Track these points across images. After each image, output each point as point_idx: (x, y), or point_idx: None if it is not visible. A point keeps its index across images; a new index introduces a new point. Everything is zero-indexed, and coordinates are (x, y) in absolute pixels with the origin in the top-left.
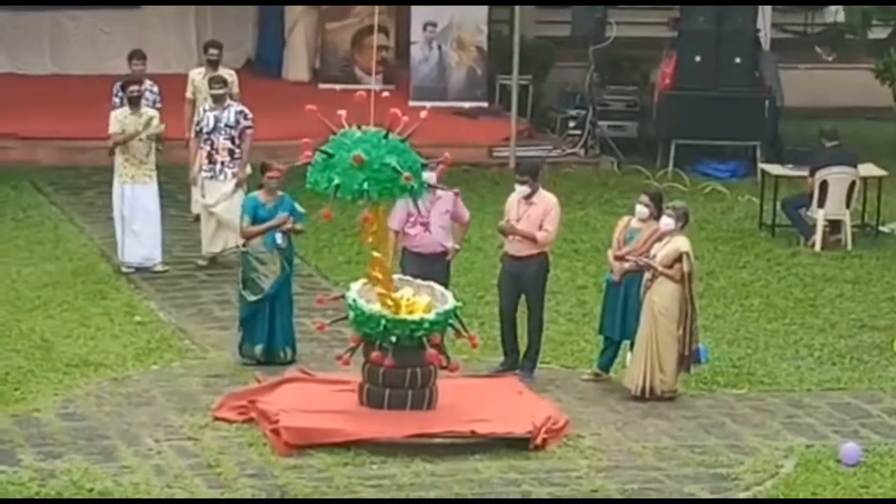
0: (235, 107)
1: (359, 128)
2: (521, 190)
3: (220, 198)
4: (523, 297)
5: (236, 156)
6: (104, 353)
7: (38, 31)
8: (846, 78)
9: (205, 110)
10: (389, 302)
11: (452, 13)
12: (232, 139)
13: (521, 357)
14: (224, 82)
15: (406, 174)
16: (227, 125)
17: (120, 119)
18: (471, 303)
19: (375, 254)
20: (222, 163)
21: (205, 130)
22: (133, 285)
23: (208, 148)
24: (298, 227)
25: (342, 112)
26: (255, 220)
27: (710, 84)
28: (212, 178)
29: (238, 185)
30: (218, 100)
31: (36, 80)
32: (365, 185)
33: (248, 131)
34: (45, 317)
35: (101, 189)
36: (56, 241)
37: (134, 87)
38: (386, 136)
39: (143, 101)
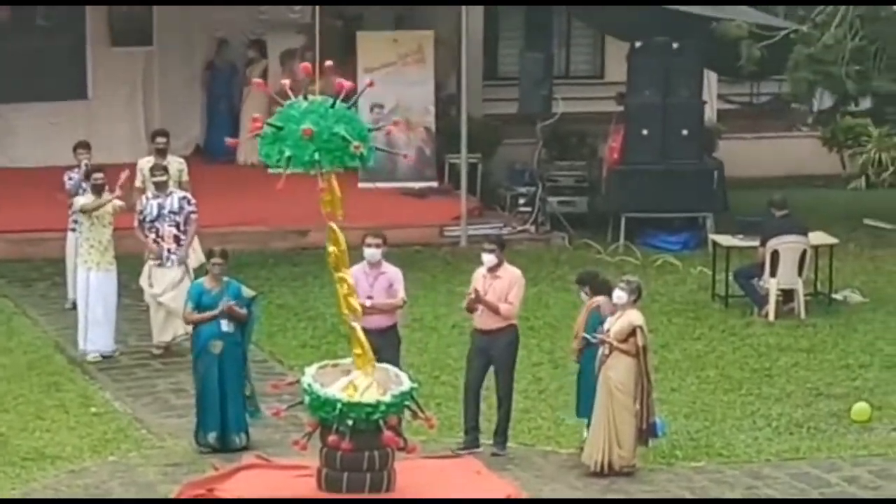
0: (178, 193)
1: (305, 98)
2: (487, 259)
3: (167, 286)
4: (490, 370)
5: (182, 242)
6: (60, 445)
7: None
8: (793, 146)
9: (147, 198)
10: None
11: (399, 95)
12: (177, 225)
13: (479, 434)
14: (165, 170)
15: (355, 143)
16: (171, 211)
17: (80, 203)
18: (427, 383)
19: (353, 324)
20: (168, 250)
21: (148, 218)
22: (88, 376)
23: (153, 235)
24: (241, 310)
25: (286, 81)
26: (199, 307)
27: (658, 157)
28: (159, 265)
29: (185, 272)
30: (160, 187)
31: None
32: (316, 156)
33: (193, 216)
34: (1, 411)
35: (53, 280)
36: (9, 334)
37: (98, 175)
38: (333, 105)
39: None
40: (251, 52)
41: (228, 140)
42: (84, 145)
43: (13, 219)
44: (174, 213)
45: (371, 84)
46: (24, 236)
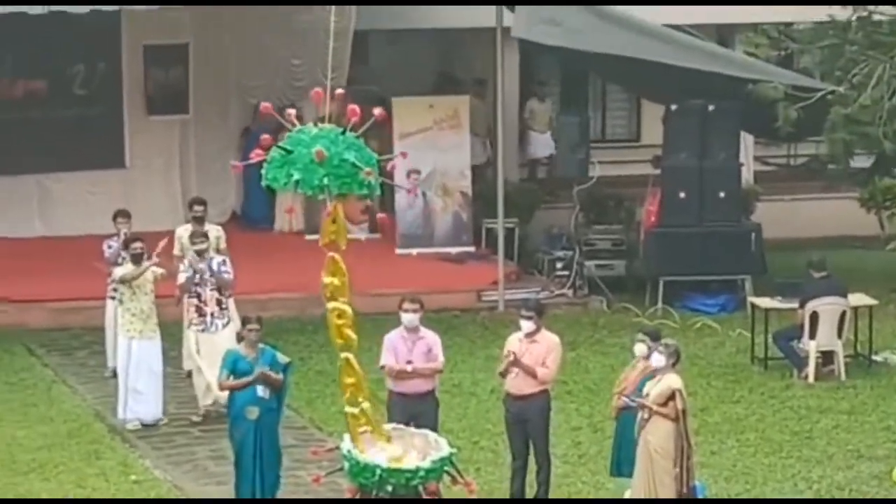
0: (218, 258)
1: (315, 124)
2: (525, 326)
3: (213, 353)
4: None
5: (224, 306)
6: None
7: (27, 194)
8: (831, 208)
9: (189, 262)
10: (363, 423)
11: (435, 160)
12: (219, 290)
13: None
14: (205, 236)
15: (367, 170)
16: (211, 275)
17: (121, 274)
18: (466, 448)
19: (344, 355)
20: (212, 314)
21: (190, 280)
22: (128, 444)
23: (196, 301)
24: (277, 376)
25: (292, 110)
26: (235, 374)
27: (696, 219)
28: (203, 330)
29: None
30: (201, 254)
31: (25, 242)
32: (325, 181)
33: (227, 276)
34: (42, 479)
35: (92, 349)
36: (49, 402)
37: (136, 244)
38: (343, 133)
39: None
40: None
41: (234, 163)
42: (123, 214)
43: (53, 288)
44: (215, 274)
45: (404, 155)
46: (64, 305)
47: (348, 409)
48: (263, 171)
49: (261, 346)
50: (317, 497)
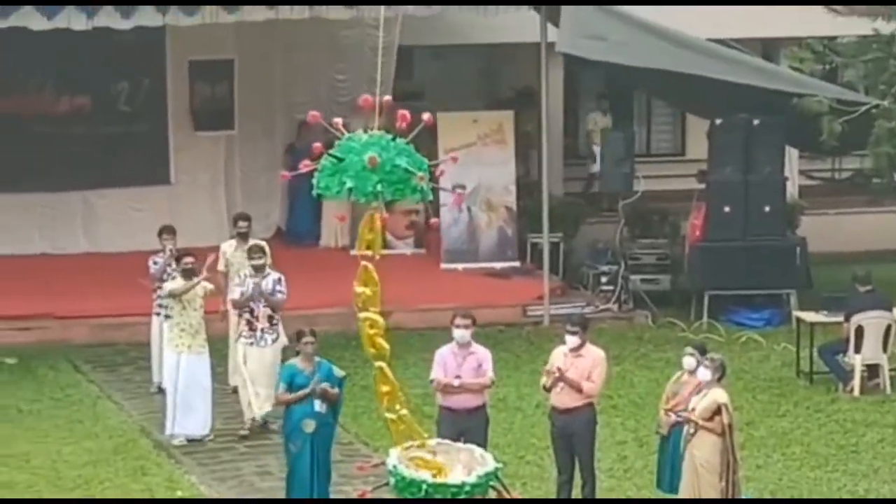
0: (273, 275)
1: (365, 131)
2: (570, 341)
3: (260, 367)
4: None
5: (274, 322)
6: None
7: (71, 210)
8: (875, 221)
9: (245, 276)
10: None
11: (480, 175)
12: (272, 307)
13: None
14: (263, 251)
15: (420, 174)
16: (266, 292)
17: (171, 289)
18: (511, 463)
19: (378, 364)
20: (262, 329)
21: (244, 296)
22: (174, 460)
23: (248, 315)
24: (334, 390)
25: (339, 119)
26: (292, 387)
27: (740, 234)
28: (252, 344)
29: (278, 354)
30: (258, 269)
31: (70, 259)
32: (378, 187)
33: (280, 297)
34: (87, 495)
35: (137, 365)
36: (95, 418)
37: (188, 259)
38: (393, 139)
39: (167, 276)
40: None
41: (283, 173)
42: (169, 230)
43: (98, 304)
44: (269, 293)
45: (455, 159)
46: (109, 321)
47: (387, 415)
48: (315, 181)
49: (317, 359)
50: None
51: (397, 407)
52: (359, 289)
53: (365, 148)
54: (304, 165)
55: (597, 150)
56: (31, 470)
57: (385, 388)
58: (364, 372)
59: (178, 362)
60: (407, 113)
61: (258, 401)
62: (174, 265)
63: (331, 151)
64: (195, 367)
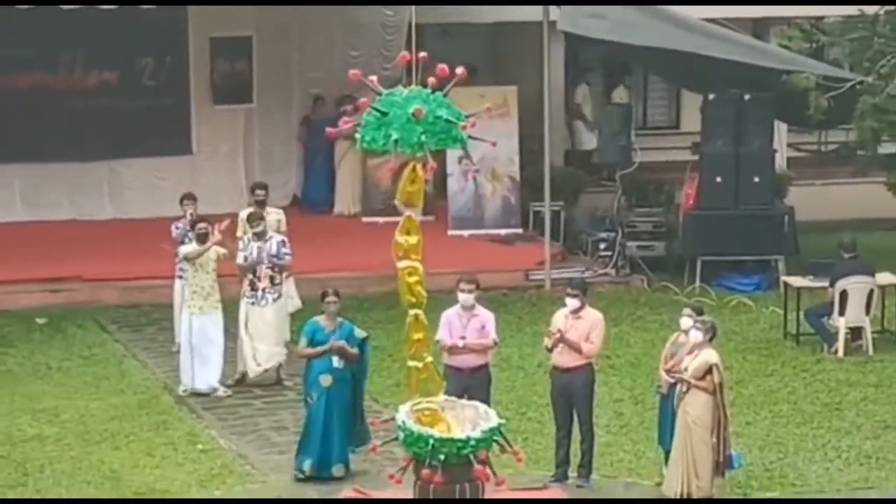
0: (277, 237)
1: (404, 87)
2: (571, 303)
3: (259, 325)
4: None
5: (276, 282)
6: (169, 480)
7: (98, 179)
8: (860, 192)
9: (249, 239)
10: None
11: (485, 146)
12: (273, 268)
13: (568, 468)
14: (261, 218)
15: (462, 123)
16: (269, 255)
17: (185, 252)
18: (514, 419)
19: (413, 311)
20: (263, 289)
21: (249, 260)
22: (195, 414)
23: (251, 276)
24: (353, 350)
25: (373, 77)
26: (313, 343)
27: (731, 203)
28: (253, 304)
29: (279, 313)
30: (259, 236)
31: (97, 224)
32: (423, 138)
33: (287, 258)
34: (113, 448)
35: (161, 325)
36: (121, 376)
37: (202, 225)
38: (432, 93)
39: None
40: (347, 107)
41: (329, 130)
42: (190, 196)
43: (124, 267)
44: (273, 255)
45: (494, 144)
46: (134, 283)
47: (411, 363)
48: (359, 135)
49: (339, 319)
50: (374, 463)
51: (424, 354)
52: (401, 238)
53: (407, 102)
54: (343, 122)
55: (580, 124)
56: (61, 424)
57: (417, 336)
58: (375, 333)
59: (191, 322)
60: (445, 66)
61: (259, 356)
62: (189, 231)
63: (374, 105)
64: (206, 326)
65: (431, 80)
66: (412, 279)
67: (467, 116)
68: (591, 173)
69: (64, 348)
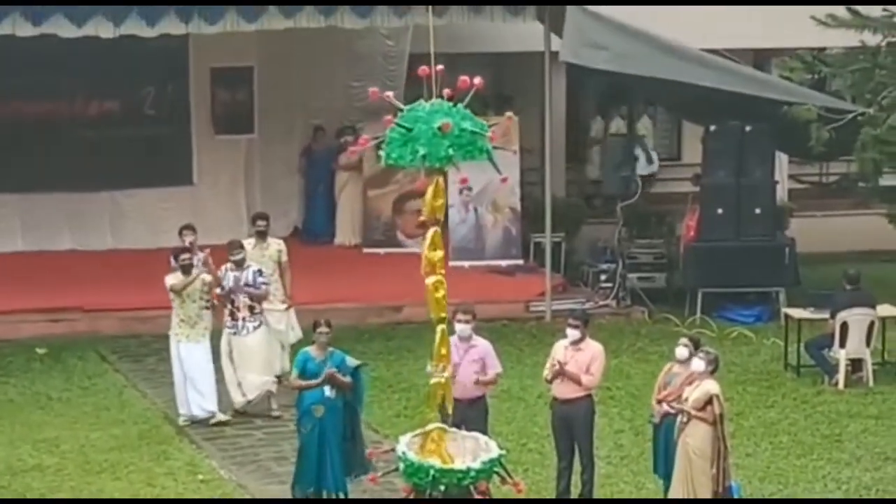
0: (254, 267)
1: (426, 100)
2: (571, 334)
3: (244, 354)
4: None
5: (256, 311)
6: None
7: (99, 209)
8: (861, 223)
9: (226, 269)
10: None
11: (487, 177)
12: (251, 297)
13: (570, 495)
14: (241, 247)
15: (488, 134)
16: (246, 284)
17: (175, 278)
18: (514, 450)
19: (441, 327)
20: (243, 318)
21: (225, 289)
22: (195, 445)
23: (230, 306)
24: (345, 379)
25: (390, 93)
26: (304, 374)
27: (733, 234)
28: (235, 333)
29: (263, 342)
30: (238, 264)
31: (98, 255)
32: (450, 151)
33: (263, 287)
34: (113, 479)
35: (161, 356)
36: (121, 406)
37: (185, 256)
38: (454, 106)
39: (194, 270)
40: (348, 138)
41: (352, 148)
42: (189, 227)
43: (124, 298)
44: (249, 285)
45: (505, 180)
46: (135, 314)
47: (436, 378)
48: (384, 153)
49: (330, 349)
50: (375, 497)
51: (445, 371)
52: (430, 253)
53: (431, 116)
54: (363, 141)
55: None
56: (61, 454)
57: (444, 351)
58: (374, 364)
59: (179, 350)
60: (467, 78)
61: (245, 386)
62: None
63: (399, 122)
64: (195, 353)
65: (447, 91)
66: (440, 294)
67: (489, 127)
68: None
69: (64, 378)
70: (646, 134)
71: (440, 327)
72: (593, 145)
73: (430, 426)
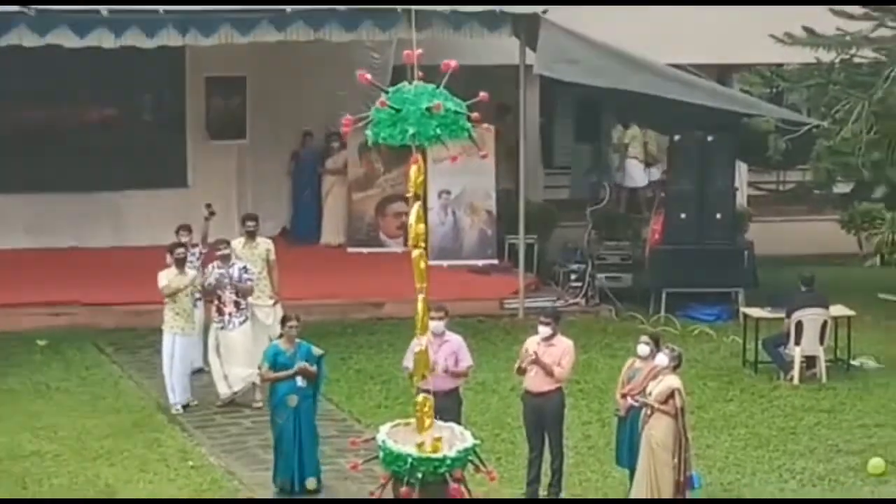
0: (239, 264)
1: (409, 83)
2: (543, 331)
3: (231, 348)
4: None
5: (241, 307)
6: (162, 494)
7: (98, 209)
8: (815, 229)
9: (213, 267)
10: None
11: (465, 182)
12: (237, 293)
13: (539, 486)
14: (227, 243)
15: (473, 115)
16: (231, 280)
17: (167, 276)
18: (488, 440)
19: (420, 250)
20: (230, 314)
21: (211, 285)
22: (186, 433)
23: (217, 302)
24: (311, 368)
25: (367, 75)
26: (275, 366)
27: (695, 238)
28: (222, 328)
29: (246, 335)
30: (224, 259)
31: (97, 252)
32: (438, 131)
33: (249, 283)
34: (109, 465)
35: (155, 348)
36: (117, 395)
37: (179, 251)
38: (437, 88)
39: (188, 264)
40: (334, 144)
41: (344, 125)
42: (185, 227)
43: (122, 293)
44: (235, 280)
45: (485, 156)
46: (131, 308)
47: (419, 348)
48: (372, 133)
49: (297, 340)
50: (356, 482)
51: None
52: (417, 225)
53: (417, 97)
54: (347, 122)
55: (632, 164)
56: (59, 441)
57: (426, 320)
58: (357, 357)
59: (174, 342)
60: (450, 61)
61: (231, 379)
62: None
63: (388, 104)
64: (185, 346)
65: (420, 74)
66: (422, 266)
67: (470, 107)
68: (632, 210)
69: (63, 369)
70: (629, 143)
71: (421, 296)
72: (628, 154)
73: (420, 396)
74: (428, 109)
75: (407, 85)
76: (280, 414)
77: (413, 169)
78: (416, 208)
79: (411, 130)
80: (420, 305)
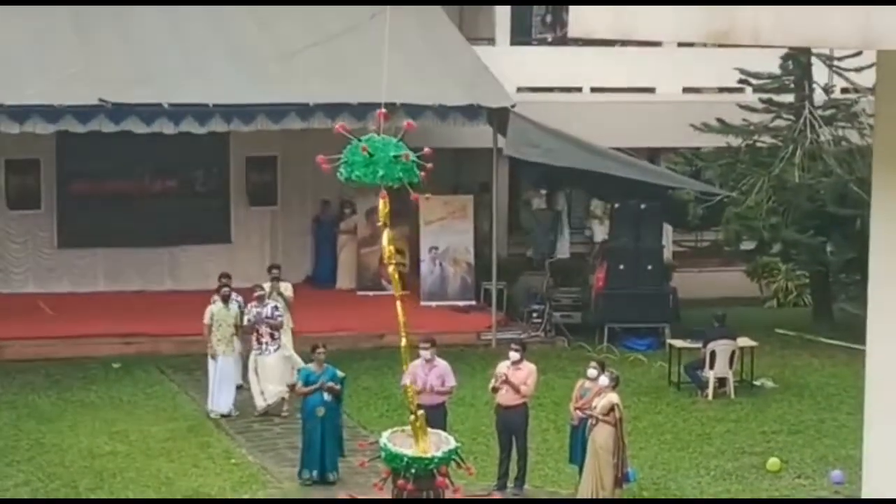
0: (271, 303)
1: (377, 135)
2: (513, 356)
3: (267, 371)
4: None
5: (275, 337)
6: (210, 486)
7: (161, 260)
8: (726, 277)
9: (252, 307)
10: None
11: (449, 240)
12: (271, 327)
13: (507, 480)
14: (261, 287)
15: (427, 165)
16: (266, 317)
17: (213, 310)
18: (468, 443)
19: (401, 294)
20: (266, 343)
21: (249, 321)
22: (230, 437)
23: (255, 334)
24: (336, 387)
25: (340, 124)
26: (307, 384)
27: (631, 284)
28: (259, 354)
29: (281, 362)
30: (260, 300)
31: (159, 294)
32: (400, 174)
33: (279, 319)
34: (168, 461)
35: (204, 370)
36: (175, 407)
37: (225, 289)
38: (399, 140)
39: (230, 301)
40: (346, 210)
41: (321, 159)
42: (225, 275)
43: (179, 326)
44: (268, 317)
45: (428, 198)
46: (187, 338)
47: (409, 384)
48: (347, 171)
49: (325, 365)
50: (365, 477)
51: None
52: (388, 247)
53: (386, 147)
54: (322, 160)
55: (596, 224)
56: (129, 443)
57: (405, 318)
58: (365, 377)
59: (217, 362)
60: (411, 122)
61: (267, 394)
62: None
63: (366, 148)
64: (225, 365)
65: (407, 122)
66: (397, 276)
67: (420, 157)
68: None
69: (132, 386)
70: (561, 210)
71: (404, 342)
72: (596, 218)
73: (413, 417)
74: (396, 157)
75: (375, 136)
76: (310, 422)
77: (381, 203)
78: (385, 234)
79: (381, 172)
80: (403, 350)
